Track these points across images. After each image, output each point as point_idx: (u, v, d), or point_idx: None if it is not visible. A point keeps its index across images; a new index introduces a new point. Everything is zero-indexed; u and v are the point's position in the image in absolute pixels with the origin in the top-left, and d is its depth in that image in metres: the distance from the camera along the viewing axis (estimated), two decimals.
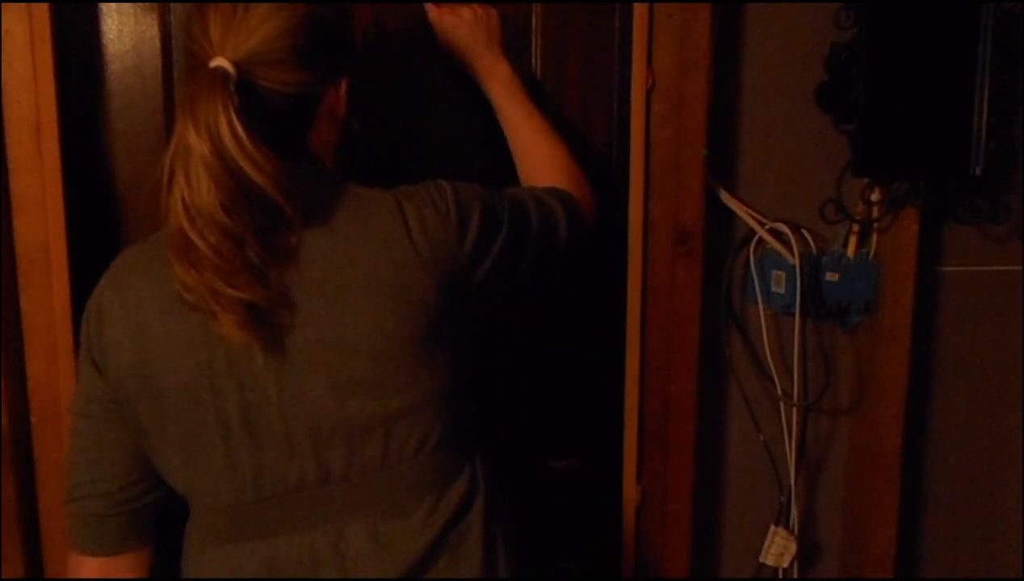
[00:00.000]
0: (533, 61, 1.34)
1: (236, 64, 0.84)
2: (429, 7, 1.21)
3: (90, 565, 0.97)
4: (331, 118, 0.95)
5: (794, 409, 1.49)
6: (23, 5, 1.19)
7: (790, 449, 1.50)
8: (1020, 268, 1.53)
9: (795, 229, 1.43)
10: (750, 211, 1.43)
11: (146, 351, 0.88)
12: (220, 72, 0.83)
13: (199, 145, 0.80)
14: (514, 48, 1.26)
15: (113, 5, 1.25)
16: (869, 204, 1.43)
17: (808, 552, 1.57)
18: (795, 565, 1.53)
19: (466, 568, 0.93)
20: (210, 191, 0.80)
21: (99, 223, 1.27)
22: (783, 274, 1.43)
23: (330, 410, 0.87)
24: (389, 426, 0.89)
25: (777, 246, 1.43)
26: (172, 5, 1.25)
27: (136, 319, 0.88)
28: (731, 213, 1.43)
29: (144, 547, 0.98)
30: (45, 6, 1.19)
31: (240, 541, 0.92)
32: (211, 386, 0.87)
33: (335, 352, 0.86)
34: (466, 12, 1.19)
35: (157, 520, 0.99)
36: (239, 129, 0.80)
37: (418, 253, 0.88)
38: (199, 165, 0.80)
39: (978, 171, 1.37)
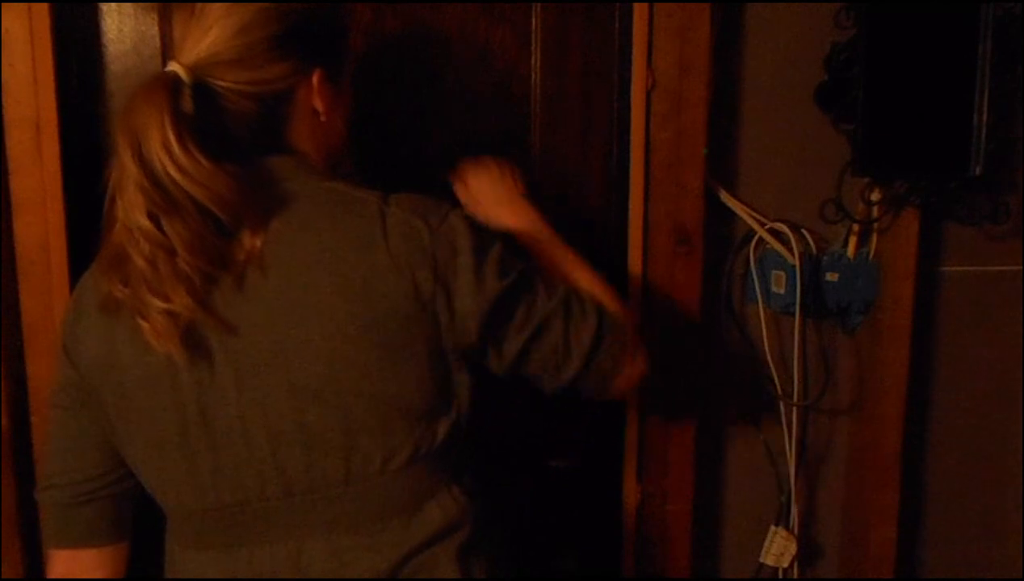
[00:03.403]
0: (533, 61, 1.34)
1: (190, 68, 0.83)
2: (453, 181, 1.19)
3: (57, 558, 0.97)
4: (311, 113, 0.92)
5: (794, 409, 1.49)
6: (23, 5, 1.19)
7: (790, 449, 1.50)
8: (1020, 268, 1.53)
9: (795, 229, 1.43)
10: (750, 211, 1.43)
11: (114, 342, 0.88)
12: (168, 77, 0.82)
13: (125, 154, 0.79)
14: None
15: (113, 5, 1.25)
16: (869, 204, 1.43)
17: (808, 552, 1.57)
18: (795, 565, 1.53)
19: None
20: (137, 201, 0.80)
21: (99, 223, 1.27)
22: (783, 274, 1.43)
23: (289, 415, 0.85)
24: (351, 438, 0.86)
25: (777, 246, 1.43)
26: (172, 5, 1.25)
27: (109, 311, 0.88)
28: (731, 213, 1.43)
29: (113, 544, 0.97)
30: (45, 6, 1.19)
31: (204, 549, 0.91)
32: (171, 382, 0.86)
33: (296, 355, 0.84)
34: (483, 173, 1.16)
35: (130, 519, 0.98)
36: (170, 135, 0.78)
37: (392, 258, 0.84)
38: (127, 175, 0.80)
39: (978, 171, 1.37)
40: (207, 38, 0.84)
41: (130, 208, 0.80)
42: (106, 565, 0.97)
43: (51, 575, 0.97)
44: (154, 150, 0.78)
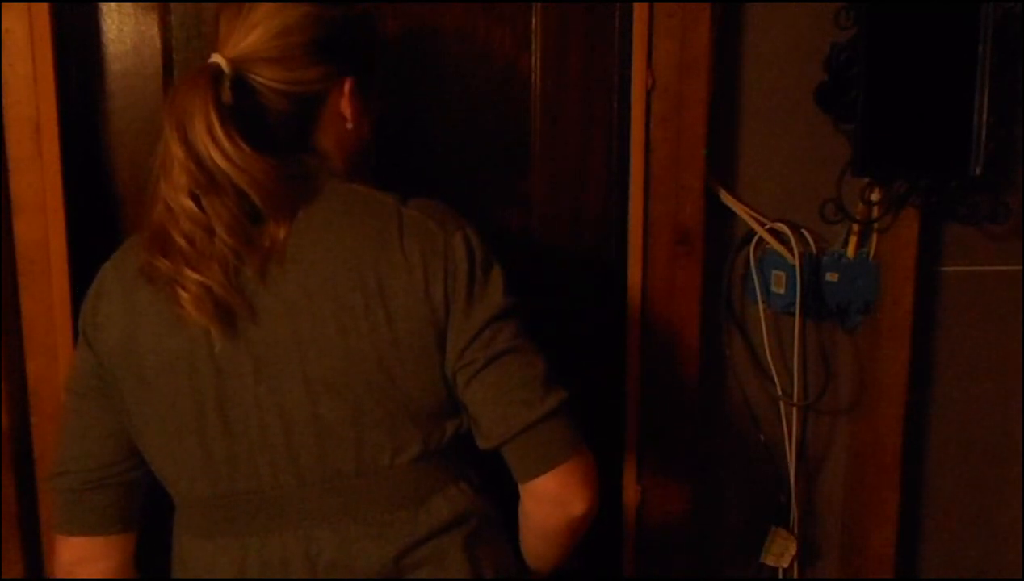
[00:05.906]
0: (533, 61, 1.34)
1: (232, 61, 0.87)
2: None
3: (65, 545, 0.97)
4: (339, 118, 0.95)
5: (794, 409, 1.49)
6: (23, 5, 1.19)
7: (790, 449, 1.50)
8: (1020, 268, 1.53)
9: (795, 229, 1.43)
10: (750, 211, 1.43)
11: (135, 328, 0.90)
12: (211, 68, 0.86)
13: (171, 137, 0.84)
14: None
15: (113, 5, 1.25)
16: (869, 204, 1.43)
17: (808, 552, 1.57)
18: (795, 565, 1.53)
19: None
20: (180, 181, 0.84)
21: (99, 223, 1.27)
22: (783, 274, 1.43)
23: (303, 406, 0.88)
24: (361, 431, 0.89)
25: (777, 246, 1.43)
26: (172, 5, 1.25)
27: (131, 298, 0.91)
28: (731, 213, 1.43)
29: (121, 534, 0.98)
30: (45, 6, 1.19)
31: (215, 537, 0.93)
32: (190, 369, 0.88)
33: (312, 347, 0.87)
34: None
35: (140, 511, 0.99)
36: (214, 121, 0.83)
37: (405, 256, 0.88)
38: (173, 156, 0.84)
39: (978, 171, 1.37)
40: (250, 36, 0.88)
41: (174, 188, 0.85)
42: (113, 554, 0.98)
43: (58, 561, 0.98)
44: (198, 134, 0.83)
